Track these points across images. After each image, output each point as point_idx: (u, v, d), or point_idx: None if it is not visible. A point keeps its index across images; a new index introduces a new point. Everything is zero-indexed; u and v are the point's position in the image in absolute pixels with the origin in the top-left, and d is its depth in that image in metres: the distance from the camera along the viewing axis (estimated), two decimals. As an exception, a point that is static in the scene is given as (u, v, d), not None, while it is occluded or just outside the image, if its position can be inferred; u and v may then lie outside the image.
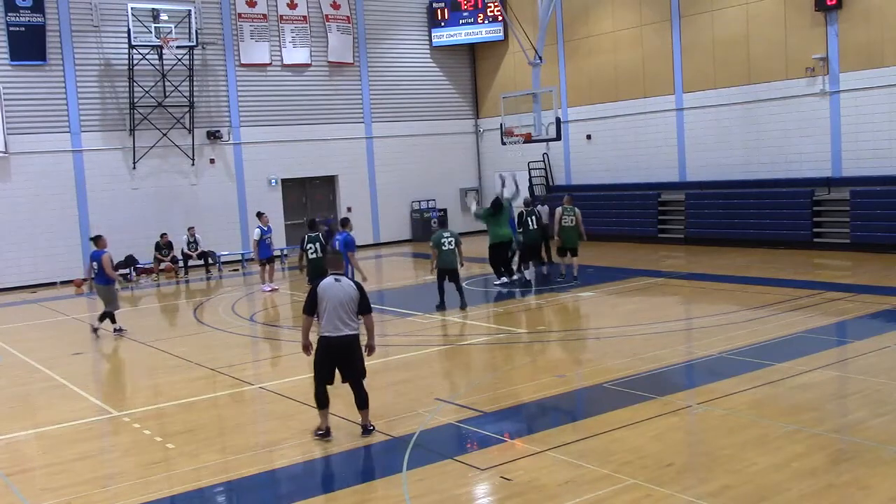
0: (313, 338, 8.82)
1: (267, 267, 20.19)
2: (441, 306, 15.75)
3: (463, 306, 15.61)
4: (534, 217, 18.31)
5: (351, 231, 15.59)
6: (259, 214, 21.04)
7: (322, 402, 8.67)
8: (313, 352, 8.72)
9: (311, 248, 15.81)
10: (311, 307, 8.62)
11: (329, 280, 8.69)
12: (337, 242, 14.54)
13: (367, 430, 8.73)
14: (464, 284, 16.25)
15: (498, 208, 17.95)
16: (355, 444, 8.51)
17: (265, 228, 20.21)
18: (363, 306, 8.69)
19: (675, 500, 6.61)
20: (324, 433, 8.66)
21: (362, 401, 8.75)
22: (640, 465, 7.34)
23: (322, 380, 8.67)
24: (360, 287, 8.80)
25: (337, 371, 8.70)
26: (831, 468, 7.10)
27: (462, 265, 16.18)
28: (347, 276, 14.07)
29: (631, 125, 26.08)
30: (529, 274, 18.26)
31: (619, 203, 25.96)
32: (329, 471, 8.07)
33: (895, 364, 10.26)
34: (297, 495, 7.38)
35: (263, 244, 20.07)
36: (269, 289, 19.85)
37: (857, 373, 10.01)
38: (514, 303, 16.75)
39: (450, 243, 15.70)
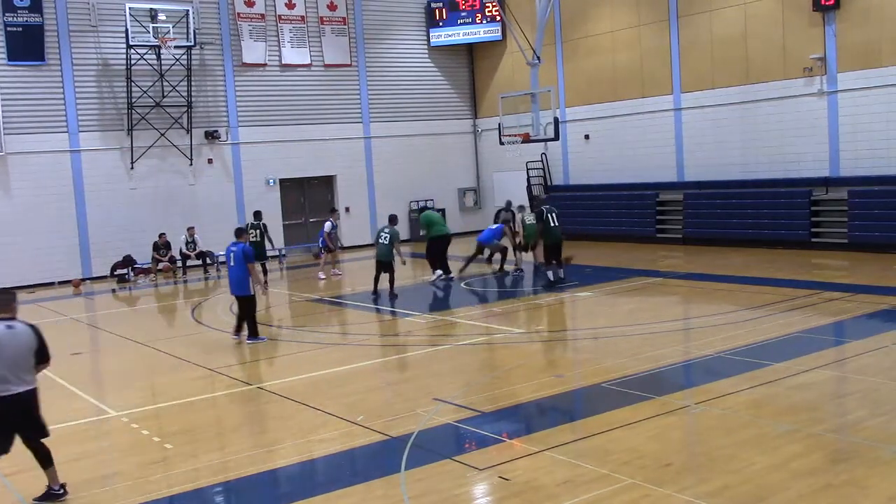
0: None
1: (329, 256, 21.89)
2: (374, 293, 17.91)
3: (391, 296, 17.52)
4: (554, 214, 18.11)
5: (247, 242, 14.40)
6: (332, 210, 23.45)
7: None
8: None
9: (252, 233, 19.89)
10: None
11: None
12: (232, 254, 13.75)
13: (52, 493, 7.38)
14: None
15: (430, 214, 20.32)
16: (353, 444, 8.51)
17: (335, 223, 21.93)
18: (41, 355, 7.38)
19: (673, 500, 6.61)
20: None
21: (45, 458, 7.40)
22: (639, 465, 7.34)
23: None
24: (38, 333, 7.44)
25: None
26: (829, 468, 7.11)
27: (403, 262, 18.97)
28: (249, 289, 13.71)
29: (629, 125, 26.08)
30: (553, 274, 17.94)
31: (618, 203, 25.96)
32: (327, 471, 8.07)
33: (893, 364, 10.26)
34: (295, 495, 7.38)
35: (333, 237, 21.81)
36: (334, 274, 21.85)
37: (855, 372, 10.02)
38: (511, 303, 16.76)
39: (384, 239, 17.70)
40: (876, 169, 20.31)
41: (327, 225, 21.66)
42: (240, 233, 14.34)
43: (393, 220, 18.43)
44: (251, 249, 14.05)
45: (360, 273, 21.74)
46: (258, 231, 20.68)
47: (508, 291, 18.07)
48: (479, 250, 20.27)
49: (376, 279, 18.04)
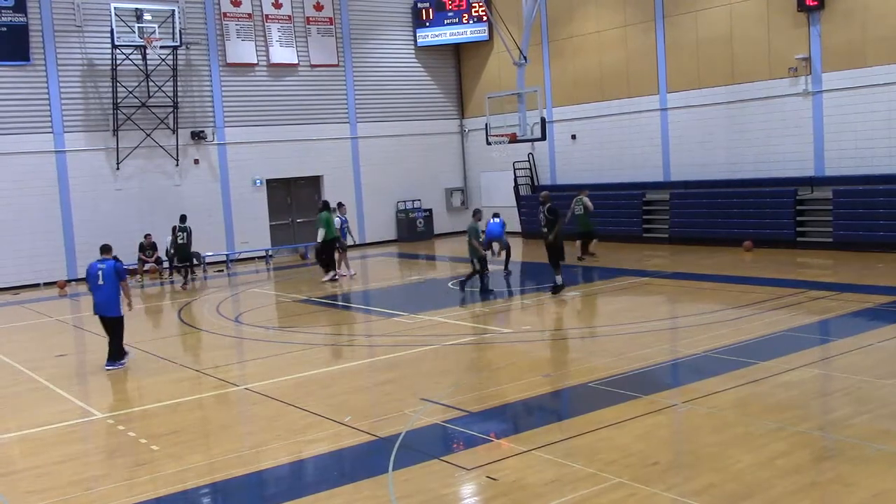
0: None
1: (342, 254, 21.57)
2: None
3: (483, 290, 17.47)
4: (556, 216, 16.85)
5: (115, 258, 13.43)
6: (339, 205, 22.27)
7: None
8: None
9: (181, 236, 21.94)
10: None
11: None
12: (101, 272, 12.67)
13: None
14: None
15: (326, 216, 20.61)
16: (341, 445, 8.51)
17: (343, 218, 21.58)
18: None
19: (659, 499, 6.64)
20: None
21: None
22: (626, 464, 7.37)
23: None
24: None
25: None
26: (814, 466, 7.16)
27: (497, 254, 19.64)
28: (119, 309, 12.58)
29: (615, 125, 26.15)
30: (559, 279, 16.69)
31: (604, 202, 25.91)
32: (315, 471, 8.07)
33: (877, 362, 10.34)
34: (283, 496, 7.37)
35: (341, 233, 21.38)
36: (350, 273, 21.67)
37: (840, 371, 10.09)
38: (499, 303, 16.78)
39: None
40: (860, 168, 20.45)
41: (336, 221, 20.94)
42: (107, 249, 13.25)
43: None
44: (122, 266, 13.21)
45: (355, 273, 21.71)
46: (185, 234, 22.03)
47: (496, 291, 18.08)
48: (489, 246, 19.85)
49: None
